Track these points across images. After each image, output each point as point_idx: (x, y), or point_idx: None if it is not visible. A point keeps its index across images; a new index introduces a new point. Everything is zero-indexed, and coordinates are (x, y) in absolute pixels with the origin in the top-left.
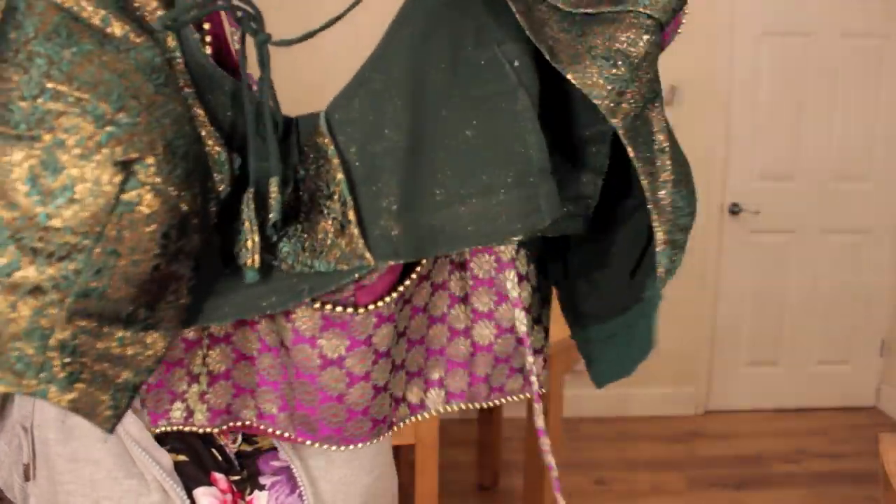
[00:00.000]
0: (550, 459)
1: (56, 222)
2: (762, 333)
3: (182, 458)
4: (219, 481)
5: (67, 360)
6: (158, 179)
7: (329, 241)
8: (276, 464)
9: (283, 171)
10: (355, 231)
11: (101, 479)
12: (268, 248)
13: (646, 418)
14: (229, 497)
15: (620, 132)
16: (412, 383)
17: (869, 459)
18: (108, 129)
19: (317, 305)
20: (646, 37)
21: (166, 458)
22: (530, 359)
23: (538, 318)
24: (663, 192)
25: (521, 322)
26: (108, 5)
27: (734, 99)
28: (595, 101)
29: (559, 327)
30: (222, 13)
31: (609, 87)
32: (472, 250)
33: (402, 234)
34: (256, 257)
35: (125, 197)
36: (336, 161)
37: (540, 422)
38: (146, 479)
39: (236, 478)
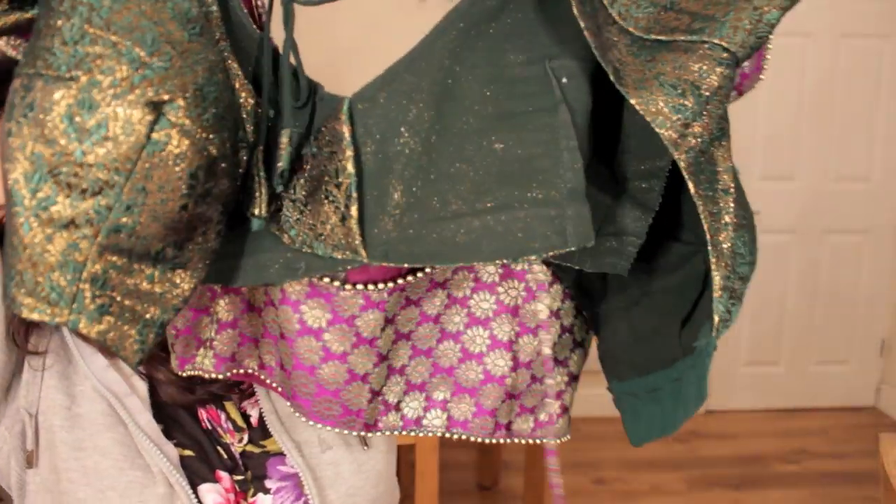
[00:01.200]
0: (558, 480)
1: (90, 158)
2: (762, 333)
3: (188, 452)
4: (223, 479)
5: (98, 292)
6: (187, 121)
7: (329, 227)
8: (283, 469)
9: (297, 128)
10: (354, 227)
11: (106, 468)
12: (273, 216)
13: None
14: (232, 496)
15: (682, 166)
16: (412, 395)
17: (869, 459)
18: (141, 71)
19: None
20: (719, 69)
21: (173, 451)
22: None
23: (563, 361)
24: (724, 234)
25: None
26: None
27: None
28: (658, 131)
29: None
30: None
31: (675, 118)
32: (502, 274)
33: (401, 238)
34: (263, 206)
35: (155, 136)
36: (350, 153)
37: (551, 444)
38: (152, 471)
39: (240, 478)
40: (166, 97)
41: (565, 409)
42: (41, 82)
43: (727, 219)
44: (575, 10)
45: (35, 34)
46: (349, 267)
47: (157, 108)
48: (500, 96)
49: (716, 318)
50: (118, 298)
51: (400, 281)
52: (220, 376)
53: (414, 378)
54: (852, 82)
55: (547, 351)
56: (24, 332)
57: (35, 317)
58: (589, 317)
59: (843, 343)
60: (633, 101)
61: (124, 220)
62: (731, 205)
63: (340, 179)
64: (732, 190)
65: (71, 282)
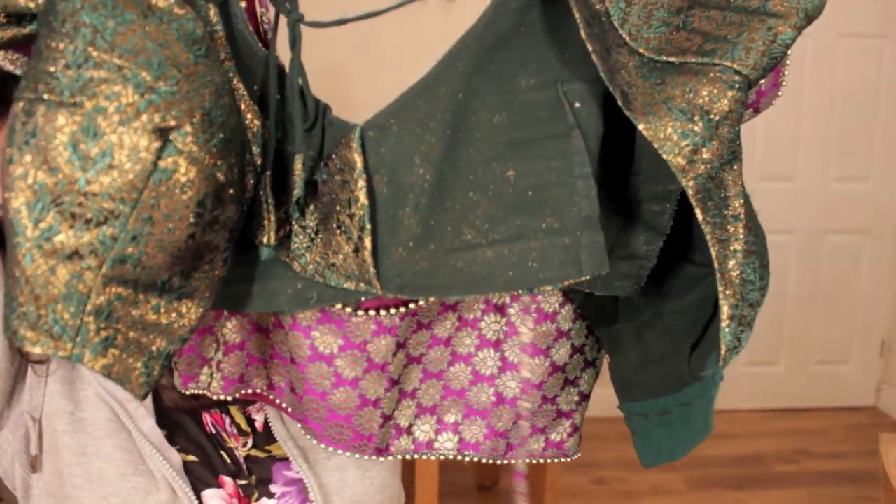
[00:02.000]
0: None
1: (95, 187)
2: (762, 333)
3: (191, 458)
4: (226, 485)
5: (102, 325)
6: (195, 148)
7: (341, 257)
8: (289, 474)
9: (308, 152)
10: (368, 258)
11: (109, 474)
12: (282, 242)
13: None
14: (236, 501)
15: (690, 193)
16: (423, 419)
17: (869, 459)
18: (148, 96)
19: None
20: (730, 93)
21: (176, 457)
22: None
23: (573, 381)
24: (733, 262)
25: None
26: None
27: None
28: (666, 157)
29: None
30: None
31: (683, 143)
32: (512, 296)
33: (416, 270)
34: (272, 234)
35: (162, 164)
36: (362, 182)
37: (521, 466)
38: (155, 477)
39: (243, 482)
40: (173, 123)
41: (576, 428)
42: (43, 107)
43: (736, 246)
44: (583, 33)
45: (35, 55)
46: (363, 298)
47: (163, 134)
48: (512, 122)
49: (723, 348)
50: (123, 330)
51: (412, 306)
52: (229, 398)
53: (425, 401)
54: (852, 82)
55: (559, 371)
56: None
57: (38, 350)
58: (601, 336)
59: (843, 343)
60: (641, 127)
61: (130, 250)
62: (741, 231)
63: (353, 210)
64: (742, 216)
65: (75, 314)
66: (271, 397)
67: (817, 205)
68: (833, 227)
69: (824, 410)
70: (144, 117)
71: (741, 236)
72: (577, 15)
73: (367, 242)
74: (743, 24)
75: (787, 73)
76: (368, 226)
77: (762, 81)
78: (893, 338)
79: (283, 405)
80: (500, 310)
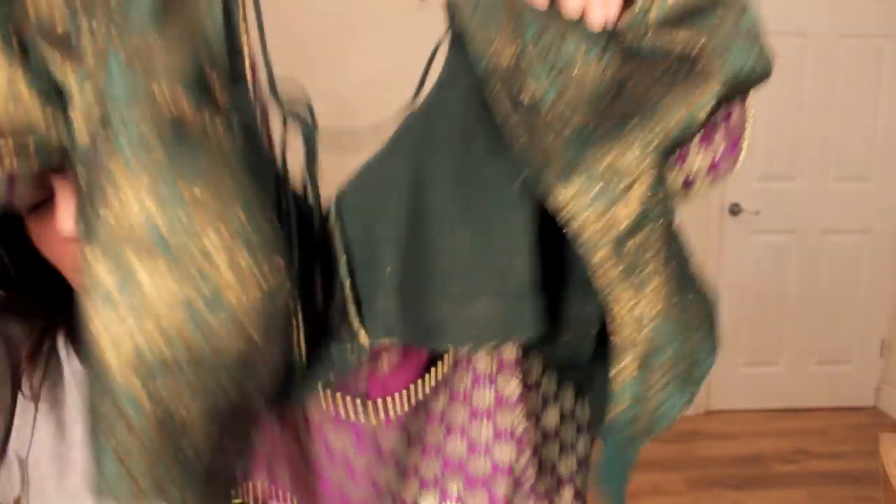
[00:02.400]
0: None
1: (209, 333)
2: (762, 333)
3: None
4: None
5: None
6: (287, 282)
7: (336, 321)
8: None
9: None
10: (352, 310)
11: None
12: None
13: None
14: None
15: (588, 256)
16: (426, 492)
17: (869, 459)
18: (247, 237)
19: (328, 392)
20: (644, 155)
21: None
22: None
23: (571, 445)
24: (642, 320)
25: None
26: (188, 85)
27: None
28: (571, 220)
29: None
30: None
31: (592, 206)
32: (499, 366)
33: (397, 316)
34: (303, 348)
35: (269, 299)
36: (340, 245)
37: None
38: None
39: None
40: (270, 256)
41: (578, 493)
42: (135, 257)
43: (645, 305)
44: (499, 120)
45: (96, 191)
46: (355, 358)
47: (264, 272)
48: (465, 191)
49: (620, 407)
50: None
51: (420, 396)
52: (236, 501)
53: (426, 475)
54: (852, 82)
55: (549, 433)
56: (31, 377)
57: None
58: (584, 388)
59: (843, 343)
60: (552, 195)
61: (236, 387)
62: (655, 289)
63: (340, 276)
64: (658, 273)
65: (181, 472)
66: (273, 487)
67: (817, 205)
68: (833, 227)
69: (824, 410)
70: (250, 260)
71: (652, 296)
72: (494, 104)
73: (349, 295)
74: (668, 87)
75: (746, 143)
76: (347, 281)
77: (716, 150)
78: (893, 338)
79: (289, 496)
80: (488, 381)
